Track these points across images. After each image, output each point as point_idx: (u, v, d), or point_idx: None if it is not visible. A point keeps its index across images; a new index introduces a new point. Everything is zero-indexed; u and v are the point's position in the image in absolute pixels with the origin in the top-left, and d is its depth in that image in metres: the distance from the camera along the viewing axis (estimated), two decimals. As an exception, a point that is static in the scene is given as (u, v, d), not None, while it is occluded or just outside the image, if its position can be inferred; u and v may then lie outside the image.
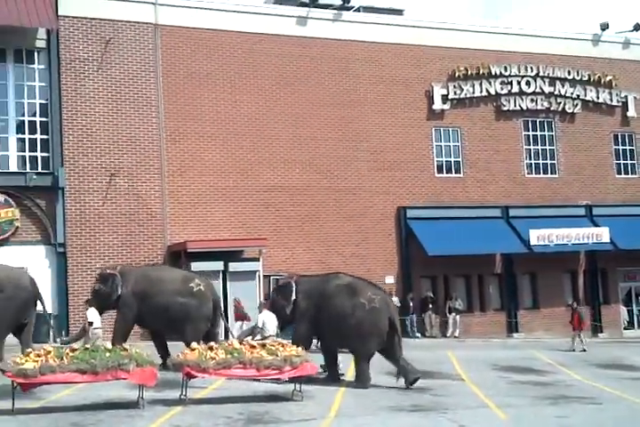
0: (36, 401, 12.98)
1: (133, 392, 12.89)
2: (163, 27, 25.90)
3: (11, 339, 17.39)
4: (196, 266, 23.87)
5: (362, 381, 15.28)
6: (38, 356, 12.33)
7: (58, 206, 24.02)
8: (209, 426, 11.38)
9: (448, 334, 28.21)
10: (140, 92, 25.51)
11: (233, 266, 24.49)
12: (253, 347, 13.44)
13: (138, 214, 25.09)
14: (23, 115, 24.51)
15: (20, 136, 24.38)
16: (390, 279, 28.25)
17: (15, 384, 12.08)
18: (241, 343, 13.67)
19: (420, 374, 15.47)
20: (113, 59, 25.26)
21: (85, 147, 24.69)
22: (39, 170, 24.17)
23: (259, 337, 15.74)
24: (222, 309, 19.38)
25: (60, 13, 24.51)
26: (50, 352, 12.45)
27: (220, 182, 26.40)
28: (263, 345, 13.57)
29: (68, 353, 12.47)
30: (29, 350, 13.08)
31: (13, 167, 24.14)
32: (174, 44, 26.17)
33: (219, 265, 24.28)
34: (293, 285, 16.38)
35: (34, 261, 23.45)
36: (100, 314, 17.85)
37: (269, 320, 16.02)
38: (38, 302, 17.60)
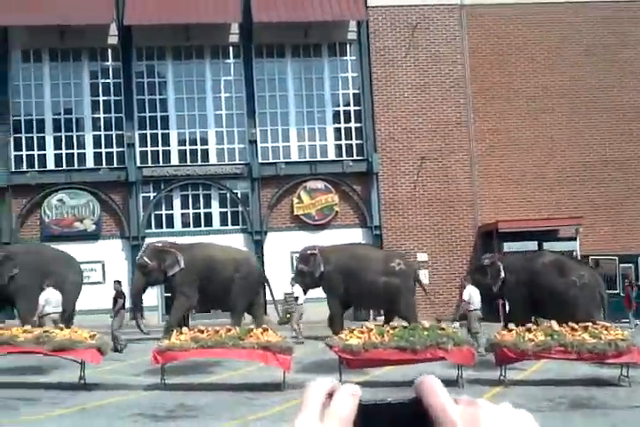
0: (361, 375, 13.67)
1: (452, 371, 13.04)
2: (468, 6, 25.74)
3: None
4: (509, 246, 23.54)
5: None
6: (361, 333, 12.99)
7: (372, 191, 25.08)
8: (531, 408, 10.77)
9: None
10: (446, 75, 25.64)
11: (548, 246, 23.72)
12: (574, 329, 12.93)
13: (448, 196, 25.33)
14: (338, 105, 25.92)
15: (337, 126, 25.78)
16: None
17: (342, 360, 12.83)
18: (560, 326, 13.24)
19: None
20: (420, 43, 25.66)
21: (396, 132, 25.44)
22: (354, 157, 25.41)
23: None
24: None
25: (368, 4, 25.44)
26: (372, 330, 13.06)
27: (530, 160, 25.68)
28: (585, 327, 12.99)
29: (388, 331, 12.99)
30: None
31: (331, 155, 25.62)
32: (479, 23, 25.89)
33: (532, 245, 23.67)
34: (500, 264, 16.91)
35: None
36: (305, 292, 19.27)
37: (475, 294, 16.65)
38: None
